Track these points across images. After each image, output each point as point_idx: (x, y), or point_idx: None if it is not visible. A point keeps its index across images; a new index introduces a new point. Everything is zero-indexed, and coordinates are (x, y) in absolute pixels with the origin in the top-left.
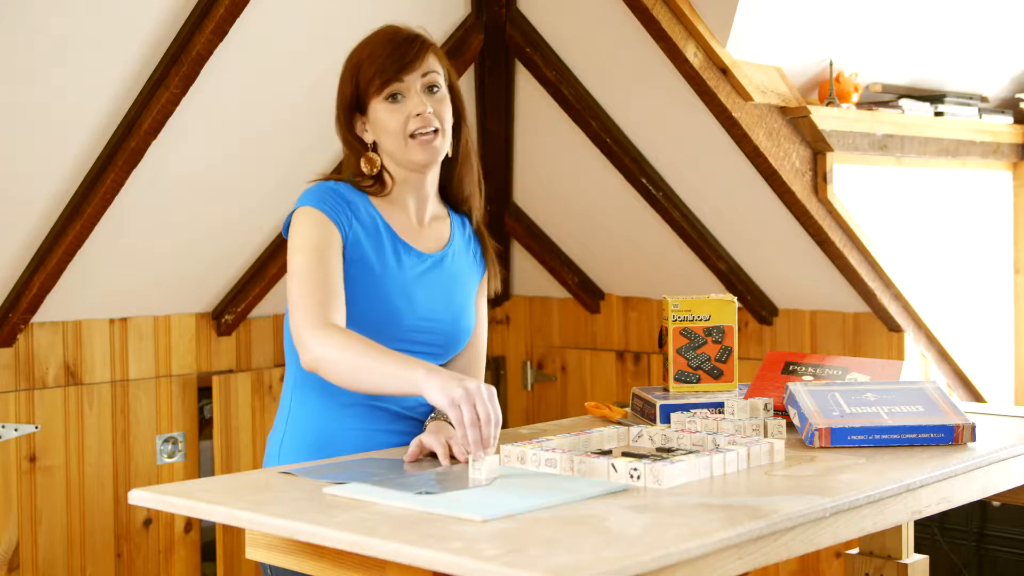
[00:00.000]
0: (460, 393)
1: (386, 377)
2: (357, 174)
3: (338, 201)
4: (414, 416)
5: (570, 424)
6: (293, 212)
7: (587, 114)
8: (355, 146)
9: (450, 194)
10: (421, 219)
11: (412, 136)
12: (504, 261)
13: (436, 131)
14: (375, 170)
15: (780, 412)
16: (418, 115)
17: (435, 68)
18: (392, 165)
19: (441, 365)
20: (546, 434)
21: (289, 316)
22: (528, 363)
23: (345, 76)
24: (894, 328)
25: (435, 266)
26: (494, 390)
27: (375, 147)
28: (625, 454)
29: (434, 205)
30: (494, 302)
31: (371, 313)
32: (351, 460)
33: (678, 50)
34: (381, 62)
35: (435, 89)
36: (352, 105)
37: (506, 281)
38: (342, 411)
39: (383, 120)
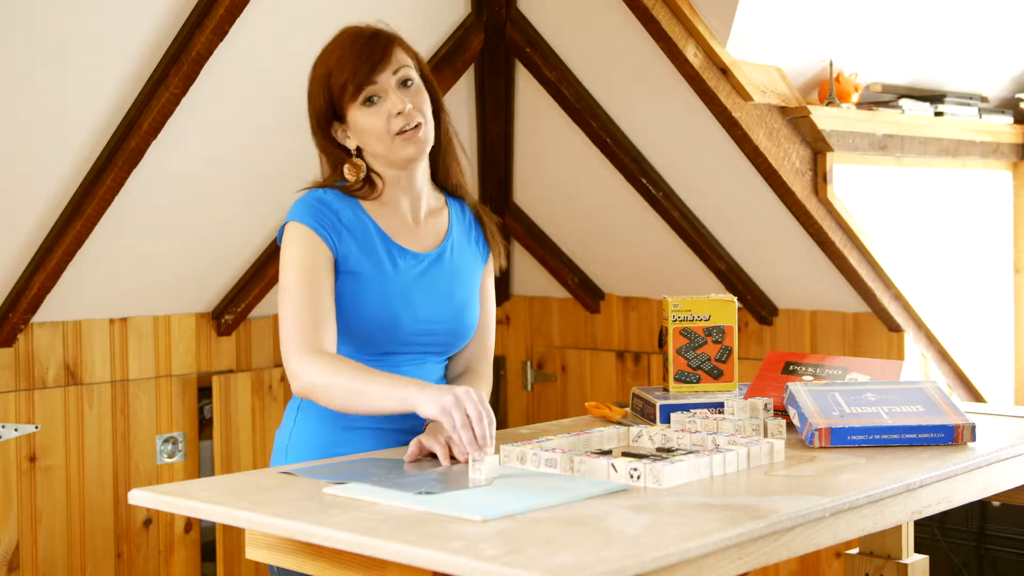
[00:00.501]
0: (450, 399)
1: (378, 398)
2: (341, 180)
3: (326, 214)
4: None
5: (570, 424)
6: (284, 225)
7: (587, 114)
8: (337, 154)
9: (439, 183)
10: (417, 216)
11: (398, 134)
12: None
13: (419, 124)
14: (361, 175)
15: (780, 412)
16: (399, 114)
17: (405, 62)
18: (380, 166)
19: (448, 358)
20: (546, 434)
21: (280, 340)
22: (528, 363)
23: (316, 87)
24: (894, 328)
25: (433, 265)
26: (483, 393)
27: (359, 151)
28: (625, 454)
29: (429, 199)
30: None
31: (371, 321)
32: (351, 460)
33: (678, 50)
34: (352, 67)
35: (409, 83)
36: (328, 115)
37: (506, 281)
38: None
39: (364, 124)
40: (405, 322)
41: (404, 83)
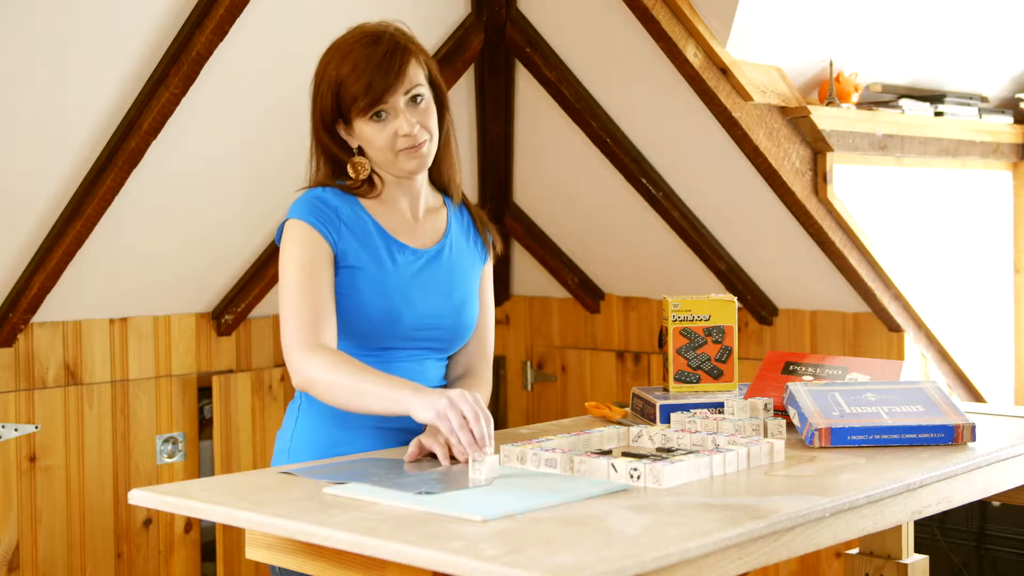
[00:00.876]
0: (444, 403)
1: (375, 398)
2: (339, 179)
3: (325, 211)
4: None
5: (570, 424)
6: (284, 223)
7: (587, 114)
8: (337, 152)
9: (431, 178)
10: (415, 214)
11: (401, 151)
12: (504, 261)
13: (423, 142)
14: (364, 174)
15: (780, 412)
16: (405, 135)
17: (418, 79)
18: (380, 170)
19: (448, 358)
20: (546, 434)
21: (281, 335)
22: (528, 363)
23: (324, 88)
24: (894, 328)
25: (432, 261)
26: (478, 395)
27: (360, 150)
28: (625, 454)
29: (427, 198)
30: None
31: (371, 316)
32: (351, 460)
33: (678, 50)
34: (365, 81)
35: (419, 99)
36: (334, 116)
37: (506, 281)
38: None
39: (369, 136)
40: (405, 317)
41: (414, 99)
